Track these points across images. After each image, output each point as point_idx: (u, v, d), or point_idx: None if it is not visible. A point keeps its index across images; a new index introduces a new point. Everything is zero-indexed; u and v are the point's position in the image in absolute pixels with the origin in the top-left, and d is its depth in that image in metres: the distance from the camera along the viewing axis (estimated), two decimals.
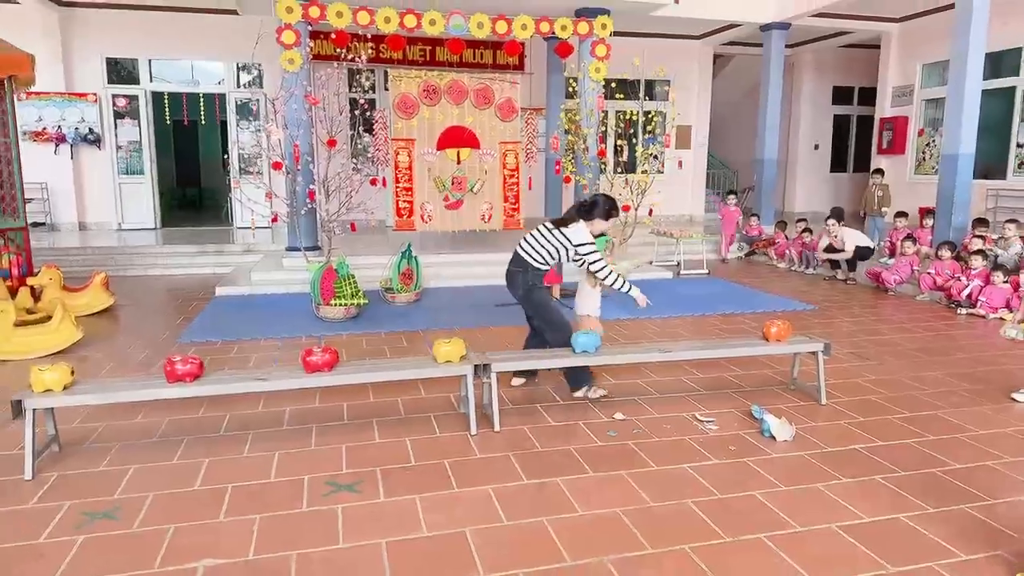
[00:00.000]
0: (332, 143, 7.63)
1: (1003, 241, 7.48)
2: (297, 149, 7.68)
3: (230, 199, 12.09)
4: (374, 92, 11.42)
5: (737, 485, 3.25)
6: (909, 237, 8.16)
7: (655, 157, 9.25)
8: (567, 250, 4.34)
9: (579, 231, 4.29)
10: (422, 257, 7.47)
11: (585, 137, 8.33)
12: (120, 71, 11.04)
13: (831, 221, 8.65)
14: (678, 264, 9.19)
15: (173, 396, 3.49)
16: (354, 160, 7.90)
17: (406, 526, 2.88)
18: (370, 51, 7.86)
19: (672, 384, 4.68)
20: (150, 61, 11.03)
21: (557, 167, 8.87)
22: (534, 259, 4.36)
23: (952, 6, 9.83)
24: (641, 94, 8.14)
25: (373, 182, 7.89)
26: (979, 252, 6.96)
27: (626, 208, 8.06)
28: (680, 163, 9.34)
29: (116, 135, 11.05)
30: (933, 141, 11.25)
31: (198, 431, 3.85)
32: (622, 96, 8.83)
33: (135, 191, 11.24)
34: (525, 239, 4.45)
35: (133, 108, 11.07)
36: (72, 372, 3.43)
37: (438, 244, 8.95)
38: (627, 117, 10.42)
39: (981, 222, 7.96)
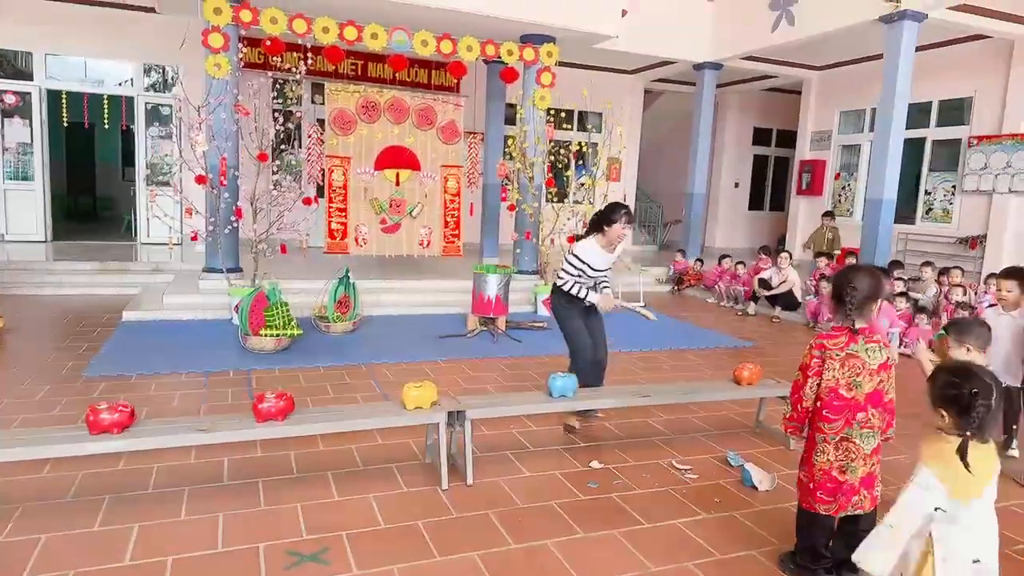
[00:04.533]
0: (263, 157, 7.11)
1: (920, 283, 7.85)
2: (224, 162, 7.08)
3: (132, 211, 11.10)
4: (300, 104, 10.84)
5: (733, 543, 3.09)
6: (824, 277, 8.45)
7: (584, 186, 9.23)
8: (572, 262, 4.25)
9: (579, 244, 4.23)
10: (359, 283, 7.02)
11: (532, 165, 8.17)
12: (11, 63, 9.94)
13: (784, 255, 8.77)
14: (616, 296, 9.13)
15: (98, 452, 2.95)
16: (275, 176, 7.36)
17: None
18: (299, 62, 7.38)
19: (639, 427, 4.51)
20: (46, 56, 10.00)
21: (503, 194, 8.67)
22: (559, 277, 4.32)
23: (872, 58, 10.54)
24: (587, 125, 8.09)
25: (307, 201, 7.40)
26: (902, 294, 7.28)
27: (571, 239, 7.97)
28: (624, 195, 9.36)
29: (3, 135, 9.91)
30: (849, 185, 11.90)
31: (121, 488, 3.30)
32: (567, 127, 8.78)
33: (23, 199, 10.08)
34: None
35: (25, 106, 9.98)
36: None
37: (374, 269, 8.50)
38: (573, 148, 10.38)
39: (896, 264, 8.33)
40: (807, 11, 9.03)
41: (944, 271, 7.60)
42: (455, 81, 11.04)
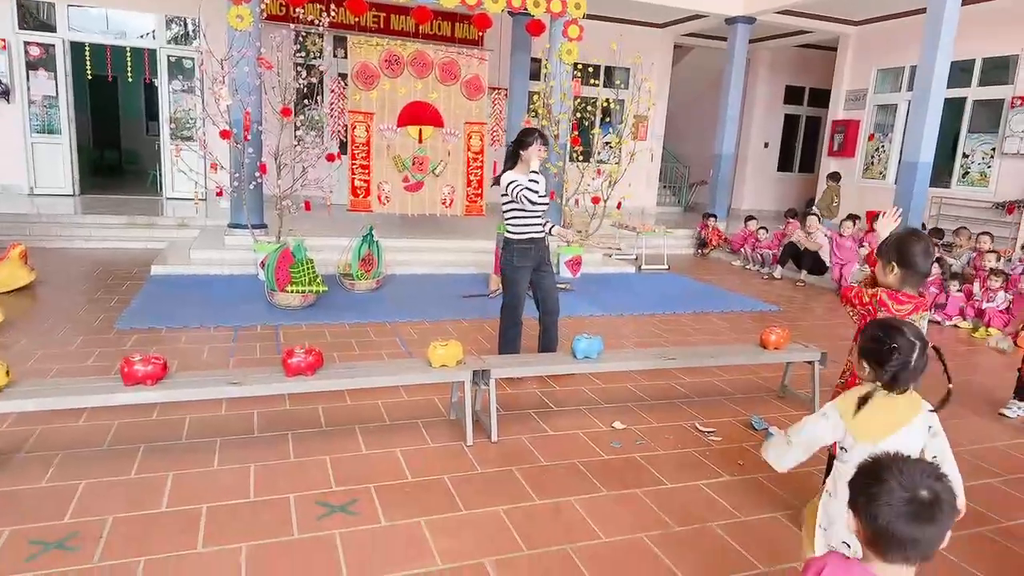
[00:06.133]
0: (286, 112, 7.07)
1: (958, 249, 7.68)
2: (248, 117, 7.06)
3: (158, 166, 11.14)
4: (322, 58, 10.71)
5: (757, 506, 3.10)
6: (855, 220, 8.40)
7: (609, 145, 9.06)
8: (512, 197, 4.26)
9: (505, 178, 4.30)
10: (382, 241, 7.02)
11: (558, 122, 8.02)
12: (34, 16, 9.91)
13: (813, 218, 8.64)
14: (637, 258, 9.07)
15: (133, 402, 3.01)
16: (299, 132, 7.29)
17: (416, 556, 2.57)
18: (321, 14, 7.26)
19: (662, 389, 4.51)
20: (68, 7, 9.95)
21: None
22: (507, 227, 4.36)
23: (913, 12, 10.10)
24: (615, 81, 7.89)
25: (330, 158, 7.37)
26: (937, 260, 7.12)
27: (596, 200, 7.89)
28: (652, 155, 9.18)
29: (28, 88, 9.94)
30: (883, 146, 11.55)
31: (155, 437, 3.38)
32: (594, 82, 8.57)
33: (50, 152, 10.17)
34: None
35: (49, 58, 9.98)
36: (8, 372, 2.90)
37: (396, 227, 8.50)
38: (601, 104, 10.14)
39: (936, 232, 8.16)
40: None
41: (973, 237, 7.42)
42: (479, 34, 10.85)
